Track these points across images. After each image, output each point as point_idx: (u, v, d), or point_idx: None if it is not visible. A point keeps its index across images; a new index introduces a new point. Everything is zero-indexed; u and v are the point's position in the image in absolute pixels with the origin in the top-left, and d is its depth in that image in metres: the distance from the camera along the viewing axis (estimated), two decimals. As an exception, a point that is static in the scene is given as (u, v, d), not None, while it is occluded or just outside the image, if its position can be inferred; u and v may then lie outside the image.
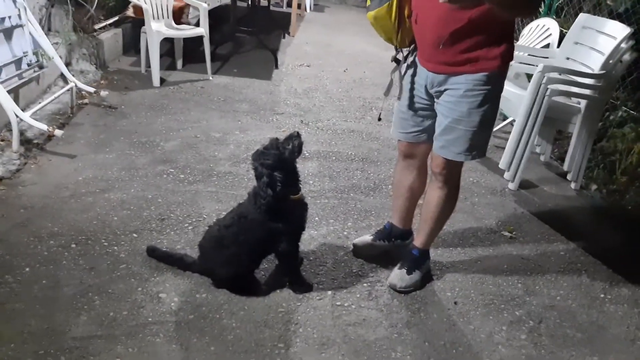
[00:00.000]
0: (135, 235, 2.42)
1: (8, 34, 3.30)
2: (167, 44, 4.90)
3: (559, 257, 2.75)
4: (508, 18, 1.90)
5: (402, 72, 2.18)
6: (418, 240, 2.36)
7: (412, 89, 2.14)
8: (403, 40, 2.11)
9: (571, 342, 2.17)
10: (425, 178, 2.37)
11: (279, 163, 1.96)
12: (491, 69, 1.91)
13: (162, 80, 4.46)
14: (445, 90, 1.99)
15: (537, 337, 2.16)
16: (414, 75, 2.13)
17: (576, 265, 2.70)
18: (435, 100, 2.07)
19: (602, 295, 2.49)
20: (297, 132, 2.03)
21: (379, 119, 2.42)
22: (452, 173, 2.15)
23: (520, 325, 2.22)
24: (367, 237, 2.53)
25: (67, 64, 4.01)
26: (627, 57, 3.32)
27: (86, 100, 3.82)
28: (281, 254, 2.16)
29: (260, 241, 2.08)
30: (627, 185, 3.54)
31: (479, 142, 2.06)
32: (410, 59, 2.15)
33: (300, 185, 2.12)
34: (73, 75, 3.78)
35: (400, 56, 2.18)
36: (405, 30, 2.07)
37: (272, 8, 7.66)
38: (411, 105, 2.17)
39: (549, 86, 3.16)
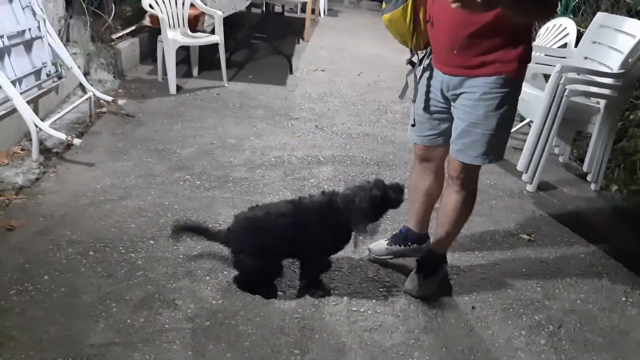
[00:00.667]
0: (152, 242, 2.44)
1: (28, 45, 3.37)
2: (183, 52, 4.95)
3: (579, 260, 2.70)
4: (524, 22, 1.88)
5: (418, 75, 2.16)
6: (435, 245, 2.34)
7: (428, 92, 2.13)
8: (418, 43, 2.09)
9: (592, 346, 2.13)
10: (442, 182, 2.35)
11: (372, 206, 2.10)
12: (508, 72, 1.88)
13: (179, 88, 4.51)
14: (461, 93, 1.97)
15: (557, 342, 2.13)
16: (429, 78, 2.11)
17: (597, 268, 2.65)
18: (452, 103, 2.05)
19: (623, 299, 2.44)
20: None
21: (413, 125, 2.30)
22: (469, 177, 2.12)
23: (539, 329, 2.19)
24: (382, 242, 2.52)
25: (86, 74, 4.08)
26: (646, 55, 3.26)
27: (104, 109, 3.87)
28: (308, 257, 2.17)
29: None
30: (649, 185, 3.48)
31: (497, 146, 2.03)
32: (425, 62, 2.13)
33: None
34: (91, 85, 3.83)
35: (415, 59, 2.17)
36: (421, 33, 2.05)
37: (286, 14, 7.68)
38: (427, 108, 2.15)
39: (567, 86, 3.11)
